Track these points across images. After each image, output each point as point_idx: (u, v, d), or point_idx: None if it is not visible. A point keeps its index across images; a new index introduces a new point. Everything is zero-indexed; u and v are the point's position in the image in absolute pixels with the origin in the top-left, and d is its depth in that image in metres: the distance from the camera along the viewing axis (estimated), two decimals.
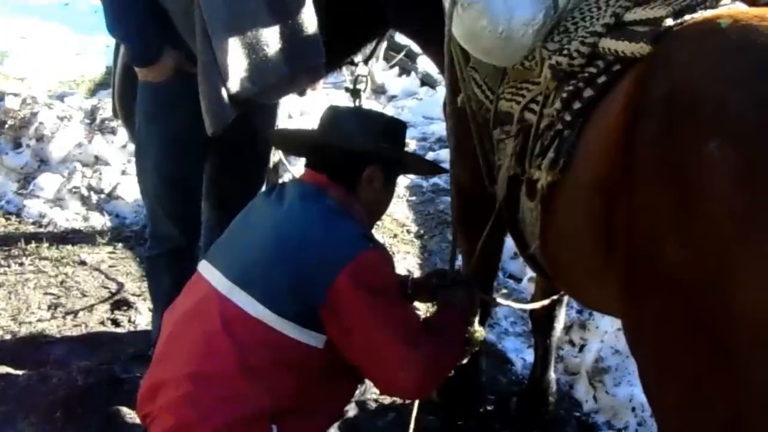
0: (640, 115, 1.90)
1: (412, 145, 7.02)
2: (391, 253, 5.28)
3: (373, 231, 5.31)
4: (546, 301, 3.41)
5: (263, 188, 2.79)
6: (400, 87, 8.78)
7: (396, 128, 2.74)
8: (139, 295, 4.65)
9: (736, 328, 1.63)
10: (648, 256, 1.86)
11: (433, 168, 3.22)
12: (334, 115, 2.68)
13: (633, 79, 2.03)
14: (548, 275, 2.66)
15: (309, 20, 3.31)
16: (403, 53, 8.43)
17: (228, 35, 3.06)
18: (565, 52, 2.30)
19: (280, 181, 3.62)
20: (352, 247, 2.33)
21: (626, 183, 1.92)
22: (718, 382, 1.72)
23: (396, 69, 9.10)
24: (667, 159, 1.79)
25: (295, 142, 3.03)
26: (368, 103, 7.75)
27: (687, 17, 2.05)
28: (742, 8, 2.11)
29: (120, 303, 4.61)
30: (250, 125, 3.36)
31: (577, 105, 2.20)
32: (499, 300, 3.58)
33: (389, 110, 7.90)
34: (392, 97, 8.66)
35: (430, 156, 6.50)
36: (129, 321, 4.45)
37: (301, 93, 3.85)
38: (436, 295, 2.86)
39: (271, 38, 3.19)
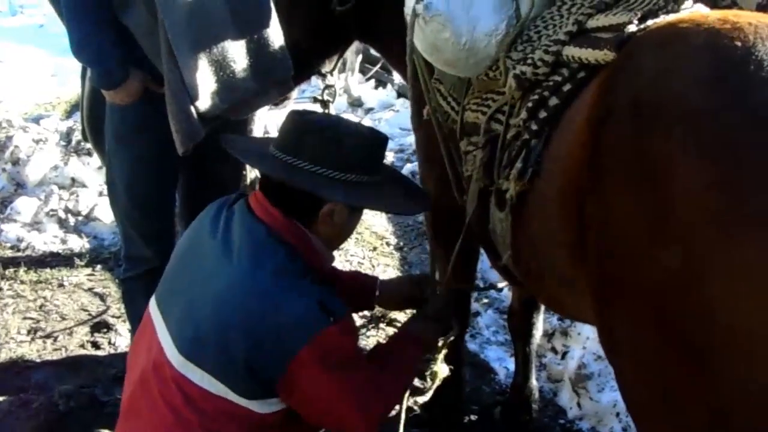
0: (606, 122, 1.90)
1: (389, 157, 7.01)
2: (370, 266, 5.34)
3: (353, 245, 5.40)
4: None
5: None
6: (376, 99, 8.78)
7: (369, 150, 2.42)
8: (119, 317, 4.62)
9: (711, 333, 1.63)
10: (620, 263, 1.86)
11: (406, 206, 2.72)
12: (291, 133, 2.38)
13: (598, 87, 2.03)
14: (522, 285, 2.65)
15: (275, 34, 3.30)
16: (379, 65, 8.44)
17: (193, 53, 3.04)
18: (529, 61, 2.29)
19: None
20: (312, 325, 2.18)
21: (595, 191, 1.91)
22: (693, 388, 1.71)
23: (372, 81, 9.11)
24: (636, 165, 1.78)
25: (254, 159, 2.63)
26: (345, 116, 7.74)
27: (650, 22, 2.06)
28: (704, 11, 2.12)
29: (100, 325, 4.58)
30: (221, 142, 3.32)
31: (542, 114, 2.20)
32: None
33: (366, 123, 7.89)
34: (369, 110, 8.66)
35: (407, 168, 6.48)
36: (109, 343, 4.42)
37: (278, 104, 3.82)
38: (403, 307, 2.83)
39: (237, 53, 3.19)
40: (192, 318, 2.27)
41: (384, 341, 2.87)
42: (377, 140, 2.47)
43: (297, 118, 2.40)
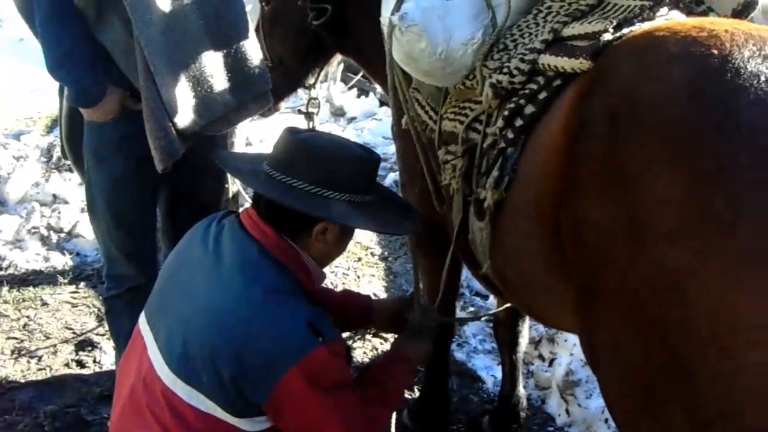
0: (582, 131, 1.90)
1: None
2: (356, 277, 5.31)
3: None
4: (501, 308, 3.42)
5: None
6: (359, 108, 8.75)
7: (362, 170, 2.43)
8: (103, 335, 4.57)
9: (691, 339, 1.63)
10: (597, 271, 1.85)
11: (398, 227, 2.71)
12: (285, 152, 2.38)
13: (574, 95, 2.03)
14: (502, 294, 2.64)
15: (252, 48, 3.30)
16: (360, 74, 8.41)
17: (170, 70, 3.04)
18: (505, 70, 2.29)
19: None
20: (300, 345, 2.18)
21: (571, 200, 1.91)
22: (676, 394, 1.71)
23: (354, 90, 9.08)
24: (611, 174, 1.78)
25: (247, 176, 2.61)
26: (328, 126, 7.74)
27: (625, 30, 2.06)
28: (680, 19, 2.11)
29: (84, 343, 4.53)
30: (201, 157, 3.30)
31: (519, 122, 2.19)
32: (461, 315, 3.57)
33: (349, 132, 7.88)
34: (351, 119, 8.62)
35: (390, 177, 6.47)
36: (94, 361, 4.38)
37: (264, 114, 3.82)
38: (396, 328, 2.83)
39: (214, 69, 3.18)
40: (182, 334, 2.27)
41: (372, 359, 2.86)
42: (370, 160, 2.48)
43: (291, 136, 2.40)
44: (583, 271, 1.91)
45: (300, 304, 2.27)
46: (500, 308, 3.52)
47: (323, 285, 2.85)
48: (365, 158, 2.46)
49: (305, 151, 2.35)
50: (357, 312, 2.90)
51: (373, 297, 4.09)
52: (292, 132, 2.43)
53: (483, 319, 4.04)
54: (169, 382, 2.26)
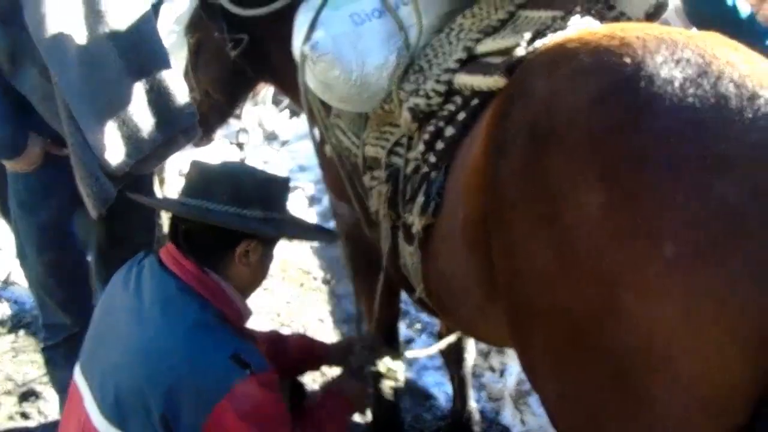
0: (503, 149, 1.87)
1: (309, 189, 6.95)
2: (300, 303, 5.26)
3: (279, 282, 5.32)
4: (451, 338, 3.37)
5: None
6: (291, 131, 8.69)
7: (272, 189, 2.47)
8: (46, 383, 4.42)
9: (629, 354, 1.60)
10: (529, 291, 1.82)
11: (319, 234, 2.91)
12: (197, 182, 2.42)
13: (492, 114, 2.00)
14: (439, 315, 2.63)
15: (174, 80, 3.25)
16: None
17: (94, 112, 2.97)
18: (421, 92, 2.26)
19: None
20: (226, 377, 2.14)
21: (498, 220, 1.88)
22: (617, 412, 1.69)
23: (287, 112, 9.01)
24: (535, 192, 1.75)
25: (164, 204, 2.78)
26: (260, 150, 7.68)
27: (538, 43, 2.04)
28: (592, 27, 2.10)
29: (27, 394, 4.40)
30: (128, 198, 3.22)
31: (440, 145, 2.16)
32: (410, 353, 3.55)
33: (283, 155, 7.83)
34: (285, 142, 8.56)
35: (327, 199, 6.40)
36: (38, 412, 4.26)
37: (196, 145, 3.77)
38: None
39: (138, 106, 3.12)
40: (113, 379, 2.22)
41: (312, 393, 2.82)
42: (280, 180, 2.52)
43: (200, 166, 2.45)
44: (515, 291, 1.88)
45: (224, 336, 2.25)
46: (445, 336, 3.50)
47: (281, 332, 2.93)
48: (275, 178, 2.52)
49: (216, 175, 2.41)
50: (315, 360, 2.92)
51: (318, 321, 4.06)
52: (200, 162, 2.47)
53: (425, 355, 3.98)
54: (103, 430, 2.21)
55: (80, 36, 2.97)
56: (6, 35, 2.93)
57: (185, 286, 2.29)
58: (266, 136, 8.45)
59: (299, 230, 2.65)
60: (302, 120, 8.96)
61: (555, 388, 1.90)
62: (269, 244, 2.47)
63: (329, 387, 2.71)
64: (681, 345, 1.54)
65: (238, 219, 2.33)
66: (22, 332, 5.14)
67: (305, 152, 7.89)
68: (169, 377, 2.12)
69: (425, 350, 3.58)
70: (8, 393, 4.45)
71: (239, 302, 2.42)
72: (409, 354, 3.53)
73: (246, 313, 2.48)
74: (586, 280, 1.64)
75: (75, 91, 2.91)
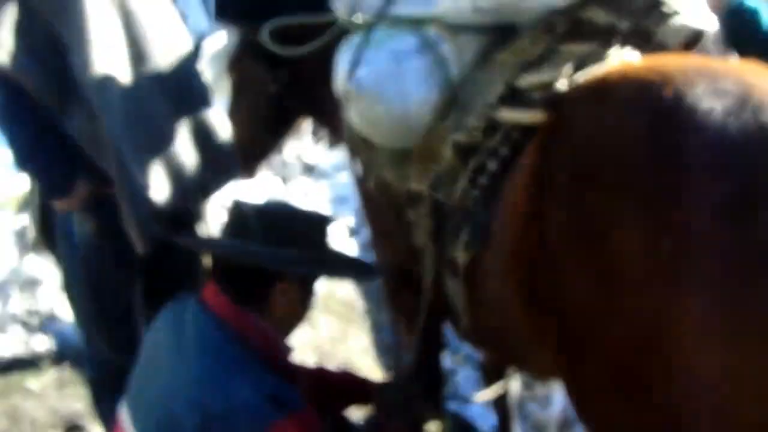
0: (546, 186, 1.88)
1: (349, 220, 6.96)
2: (342, 335, 5.26)
3: (321, 314, 5.33)
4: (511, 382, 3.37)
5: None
6: (330, 162, 8.73)
7: (311, 228, 2.49)
8: (91, 417, 4.48)
9: (676, 391, 1.61)
10: (576, 325, 1.83)
11: (358, 271, 2.80)
12: (235, 221, 2.46)
13: (534, 149, 2.01)
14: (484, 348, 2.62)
15: (217, 119, 3.30)
16: None
17: (139, 152, 3.01)
18: (463, 127, 2.28)
19: None
20: (262, 416, 2.12)
21: (544, 256, 1.89)
22: None
23: (325, 143, 9.05)
24: (579, 228, 1.76)
25: (203, 244, 2.84)
26: (300, 182, 7.71)
27: (578, 77, 2.04)
28: (632, 59, 2.11)
29: (72, 428, 4.47)
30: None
31: (483, 180, 2.18)
32: (479, 395, 3.56)
33: (323, 187, 7.85)
34: (323, 174, 8.60)
35: (366, 231, 6.42)
36: None
37: (246, 178, 3.82)
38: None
39: (183, 145, 3.17)
40: (153, 418, 2.24)
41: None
42: (317, 217, 2.55)
43: (238, 206, 2.47)
44: (562, 326, 1.89)
45: (260, 374, 2.24)
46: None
47: (325, 368, 2.94)
48: (316, 217, 2.56)
49: (254, 215, 2.42)
50: (360, 396, 2.88)
51: (362, 353, 4.06)
52: (238, 203, 2.50)
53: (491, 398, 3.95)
54: None
55: (125, 77, 3.03)
56: (53, 77, 2.99)
57: (223, 324, 2.31)
58: (305, 169, 8.50)
59: (336, 269, 2.65)
60: (340, 152, 9.01)
61: (601, 422, 1.90)
62: (307, 282, 2.48)
63: (374, 423, 2.71)
64: (730, 383, 1.53)
65: (273, 259, 2.34)
66: (66, 366, 5.19)
67: (344, 183, 7.93)
68: (205, 418, 2.12)
69: (489, 392, 3.56)
70: (53, 427, 4.51)
71: (279, 340, 2.43)
72: (477, 398, 3.50)
73: (286, 351, 2.49)
74: (631, 317, 1.65)
75: (120, 132, 2.96)
